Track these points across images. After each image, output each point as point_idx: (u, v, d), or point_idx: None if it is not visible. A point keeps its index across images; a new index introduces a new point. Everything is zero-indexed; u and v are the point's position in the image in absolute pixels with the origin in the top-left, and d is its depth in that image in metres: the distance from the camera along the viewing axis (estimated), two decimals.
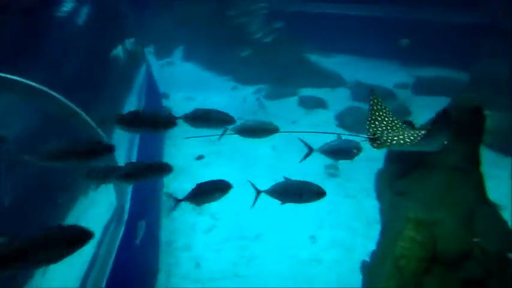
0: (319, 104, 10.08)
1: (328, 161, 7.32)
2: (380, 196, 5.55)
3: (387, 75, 10.84)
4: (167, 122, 2.68)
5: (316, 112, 9.86)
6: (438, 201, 4.25)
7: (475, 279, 3.99)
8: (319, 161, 7.25)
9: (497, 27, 9.52)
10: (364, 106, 9.29)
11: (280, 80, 11.01)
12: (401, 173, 5.04)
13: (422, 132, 2.90)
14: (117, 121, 2.56)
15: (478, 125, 4.35)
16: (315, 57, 11.91)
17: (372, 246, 4.49)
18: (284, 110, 10.09)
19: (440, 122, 2.58)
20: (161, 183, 7.34)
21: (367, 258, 4.59)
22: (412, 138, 2.91)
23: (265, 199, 3.16)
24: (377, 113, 3.28)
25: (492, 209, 4.69)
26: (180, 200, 2.94)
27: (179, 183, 7.25)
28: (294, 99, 10.48)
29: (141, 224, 4.86)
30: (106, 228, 4.76)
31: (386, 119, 3.30)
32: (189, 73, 12.28)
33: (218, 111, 2.93)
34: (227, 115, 2.93)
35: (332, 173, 7.30)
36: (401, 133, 3.02)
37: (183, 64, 13.06)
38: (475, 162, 4.41)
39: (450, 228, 4.06)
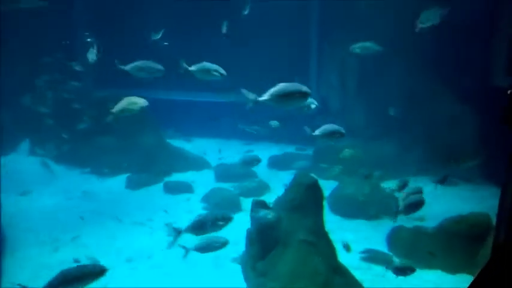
0: (185, 188, 10.00)
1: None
2: (246, 279, 5.48)
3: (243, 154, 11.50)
4: None
5: (182, 197, 9.71)
6: (295, 278, 4.36)
7: None
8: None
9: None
10: (227, 186, 9.67)
11: (144, 168, 10.67)
12: (261, 254, 5.10)
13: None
14: None
15: (317, 198, 4.77)
16: (177, 142, 12.04)
17: None
18: (148, 199, 9.65)
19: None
20: None
21: None
22: None
23: None
24: None
25: (346, 276, 5.01)
26: None
27: None
28: (159, 186, 10.20)
29: None
30: None
31: None
32: (37, 168, 10.99)
33: None
34: None
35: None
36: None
37: (29, 158, 11.69)
38: (321, 232, 4.75)
39: None
